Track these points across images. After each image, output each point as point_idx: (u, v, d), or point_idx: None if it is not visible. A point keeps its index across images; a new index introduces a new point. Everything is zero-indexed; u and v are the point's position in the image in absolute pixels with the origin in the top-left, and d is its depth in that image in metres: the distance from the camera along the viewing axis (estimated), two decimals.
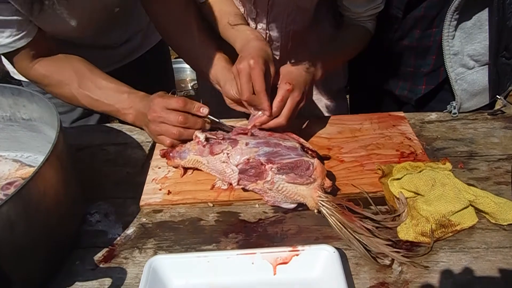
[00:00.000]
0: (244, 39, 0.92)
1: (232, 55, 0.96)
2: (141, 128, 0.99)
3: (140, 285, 0.65)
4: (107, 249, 0.76)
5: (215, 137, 0.88)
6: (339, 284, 0.64)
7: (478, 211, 0.78)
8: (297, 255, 0.69)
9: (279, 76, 0.90)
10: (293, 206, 0.80)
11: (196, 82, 2.50)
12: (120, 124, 1.07)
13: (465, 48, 1.04)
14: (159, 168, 0.91)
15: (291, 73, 0.90)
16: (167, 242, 0.77)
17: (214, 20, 1.02)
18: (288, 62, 1.13)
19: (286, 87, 0.86)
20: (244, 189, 0.83)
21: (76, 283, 0.70)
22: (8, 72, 1.18)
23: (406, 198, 0.79)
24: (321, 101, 1.25)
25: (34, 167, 0.86)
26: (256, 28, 1.06)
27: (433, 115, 1.06)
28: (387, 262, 0.71)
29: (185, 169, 0.89)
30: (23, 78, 1.10)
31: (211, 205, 0.83)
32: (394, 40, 1.11)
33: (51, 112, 0.75)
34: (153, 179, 0.89)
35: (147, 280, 0.65)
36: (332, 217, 0.74)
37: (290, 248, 0.69)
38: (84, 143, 1.01)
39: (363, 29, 1.07)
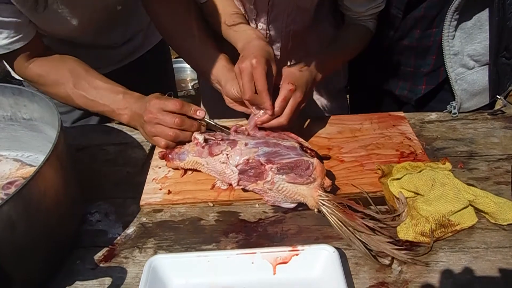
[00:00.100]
0: (246, 38, 0.92)
1: (232, 55, 0.97)
2: (136, 129, 0.99)
3: (140, 284, 0.65)
4: (107, 248, 0.76)
5: (213, 138, 0.88)
6: (339, 284, 0.64)
7: (477, 211, 0.78)
8: (297, 254, 0.69)
9: (280, 76, 0.90)
10: (293, 205, 0.80)
11: (196, 81, 2.50)
12: (120, 124, 1.07)
13: (465, 48, 1.04)
14: (159, 167, 0.91)
15: (293, 73, 0.90)
16: (167, 242, 0.77)
17: (215, 20, 1.02)
18: (289, 63, 1.13)
19: (289, 87, 0.86)
20: (244, 190, 0.83)
21: (77, 282, 0.70)
22: (9, 72, 1.18)
23: (406, 198, 0.79)
24: (321, 101, 1.25)
25: (34, 166, 0.87)
26: (256, 28, 1.07)
27: (433, 115, 1.06)
28: (387, 262, 0.71)
29: (185, 170, 0.89)
30: None
31: (211, 204, 0.83)
32: (394, 40, 1.11)
33: (52, 112, 0.75)
34: (153, 179, 0.89)
35: (147, 279, 0.66)
36: (333, 216, 0.74)
37: (290, 248, 0.69)
38: (84, 143, 1.02)
39: (364, 29, 1.07)
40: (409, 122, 1.02)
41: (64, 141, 0.71)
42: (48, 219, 0.67)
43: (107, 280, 0.70)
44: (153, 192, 0.86)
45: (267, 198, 0.80)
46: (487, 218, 0.78)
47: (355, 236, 0.72)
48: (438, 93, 1.15)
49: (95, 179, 0.91)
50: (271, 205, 0.81)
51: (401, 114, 1.05)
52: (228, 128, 0.94)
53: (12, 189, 0.80)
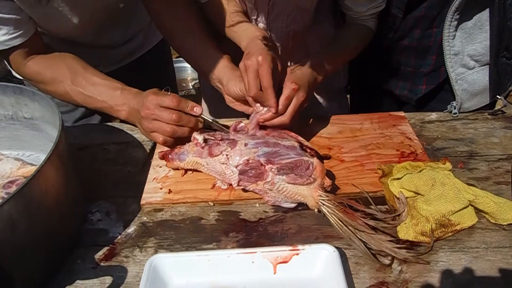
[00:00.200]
0: (250, 36, 0.92)
1: (234, 55, 0.97)
2: (135, 125, 0.99)
3: (140, 283, 0.65)
4: (108, 247, 0.76)
5: (213, 137, 0.88)
6: (339, 283, 0.64)
7: (478, 211, 0.78)
8: (297, 254, 0.69)
9: (284, 75, 0.90)
10: (293, 205, 0.80)
11: (197, 81, 2.50)
12: (121, 124, 1.07)
13: (466, 48, 1.04)
14: (160, 167, 0.92)
15: (296, 73, 0.90)
16: (168, 241, 0.77)
17: (217, 20, 1.02)
18: (289, 63, 1.13)
19: (292, 86, 0.86)
20: (244, 190, 0.83)
21: (77, 281, 0.71)
22: (10, 71, 1.18)
23: (406, 197, 0.79)
24: (322, 101, 1.25)
25: (35, 165, 0.87)
26: None
27: (433, 115, 1.07)
28: (387, 261, 0.71)
29: (185, 170, 0.89)
30: None
31: (212, 204, 0.84)
32: (394, 40, 1.11)
33: (53, 111, 0.75)
34: (154, 178, 0.89)
35: (147, 278, 0.66)
36: (333, 215, 0.74)
37: (290, 247, 0.69)
38: (85, 142, 1.02)
39: (365, 28, 1.07)
40: (409, 122, 1.03)
41: (65, 140, 0.72)
42: (49, 218, 0.67)
43: (108, 279, 0.71)
44: (153, 192, 0.86)
45: (267, 198, 0.80)
46: (487, 218, 0.78)
47: (356, 236, 0.72)
48: (439, 93, 1.15)
49: (96, 178, 0.91)
50: (272, 205, 0.81)
51: (402, 114, 1.05)
52: (227, 127, 0.94)
53: (13, 188, 0.80)
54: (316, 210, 0.78)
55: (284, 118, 0.87)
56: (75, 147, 0.99)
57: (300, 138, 0.87)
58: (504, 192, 0.83)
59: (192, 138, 0.88)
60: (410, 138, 0.97)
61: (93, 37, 1.14)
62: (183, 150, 0.88)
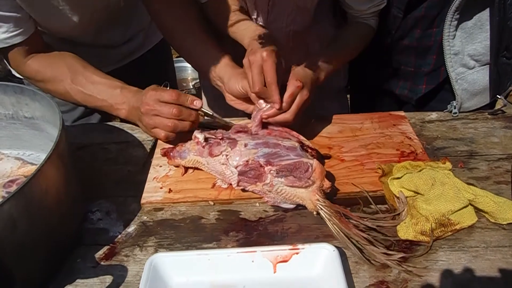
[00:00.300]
0: (252, 33, 0.92)
1: (234, 55, 0.97)
2: (135, 124, 0.99)
3: (140, 282, 0.65)
4: (108, 247, 0.76)
5: (214, 136, 0.88)
6: (339, 283, 0.64)
7: (477, 210, 0.78)
8: (297, 253, 0.69)
9: (288, 73, 0.90)
10: (292, 206, 0.80)
11: (197, 81, 2.50)
12: (122, 123, 1.07)
13: (466, 48, 1.04)
14: (160, 166, 0.92)
15: (300, 72, 0.90)
16: (168, 240, 0.77)
17: (217, 19, 1.02)
18: (289, 63, 1.13)
19: (297, 84, 0.86)
20: (244, 190, 0.83)
21: (77, 280, 0.71)
22: (10, 71, 1.19)
23: (406, 197, 0.79)
24: (322, 101, 1.24)
25: (36, 165, 0.87)
26: None
27: (434, 115, 1.07)
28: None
29: (186, 168, 0.90)
30: None
31: (212, 203, 0.84)
32: (394, 40, 1.11)
33: (53, 110, 0.76)
34: (154, 178, 0.89)
35: (147, 277, 0.66)
36: (330, 221, 0.74)
37: (290, 247, 0.70)
38: (85, 142, 1.02)
39: (366, 26, 1.07)
40: (409, 121, 1.03)
41: (66, 140, 0.72)
42: (49, 217, 0.67)
43: (108, 278, 0.71)
44: (154, 191, 0.86)
45: (267, 199, 0.80)
46: (486, 218, 0.78)
47: (351, 242, 0.72)
48: (439, 93, 1.15)
49: (96, 177, 0.91)
50: (271, 205, 0.81)
51: (402, 113, 1.05)
52: (227, 121, 0.94)
53: (14, 187, 0.80)
54: (314, 213, 0.78)
55: (287, 115, 0.87)
56: (75, 147, 0.99)
57: (302, 138, 0.88)
58: (504, 191, 0.83)
59: (193, 137, 0.88)
60: (410, 138, 0.97)
61: (93, 37, 1.14)
62: (185, 148, 0.88)
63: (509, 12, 0.94)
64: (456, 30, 1.02)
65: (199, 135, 0.87)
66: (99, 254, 0.75)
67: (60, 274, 0.72)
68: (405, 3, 1.04)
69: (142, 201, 0.84)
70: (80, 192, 0.80)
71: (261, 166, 0.80)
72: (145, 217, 0.82)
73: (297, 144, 0.83)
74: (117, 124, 1.08)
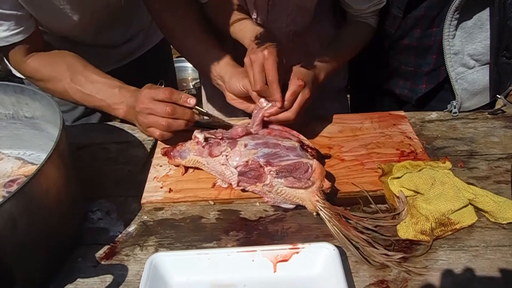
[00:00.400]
0: (253, 32, 0.92)
1: (234, 54, 0.97)
2: (134, 124, 0.98)
3: (141, 282, 0.65)
4: (108, 246, 0.76)
5: (214, 136, 0.88)
6: (339, 282, 0.64)
7: (477, 209, 0.78)
8: (297, 252, 0.69)
9: (289, 73, 0.90)
10: (292, 206, 0.80)
11: (198, 81, 2.50)
12: (122, 123, 1.07)
13: (466, 48, 1.04)
14: (161, 166, 0.92)
15: (301, 71, 0.91)
16: (168, 240, 0.77)
17: (218, 19, 1.02)
18: (290, 63, 1.13)
19: (298, 83, 0.86)
20: (244, 190, 0.83)
21: (78, 279, 0.71)
22: (10, 71, 1.19)
23: (406, 196, 0.80)
24: (322, 101, 1.25)
25: (36, 165, 0.87)
26: None
27: (434, 114, 1.07)
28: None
29: (186, 168, 0.90)
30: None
31: (212, 203, 0.84)
32: (394, 40, 1.11)
33: (54, 110, 0.76)
34: (154, 177, 0.89)
35: (148, 277, 0.66)
36: (330, 222, 0.75)
37: (290, 246, 0.70)
38: (85, 142, 1.02)
39: (366, 26, 1.07)
40: (409, 121, 1.03)
41: (66, 140, 0.72)
42: (49, 217, 0.68)
43: (108, 278, 0.71)
44: (154, 191, 0.86)
45: (267, 199, 0.80)
46: (486, 217, 0.78)
47: (351, 243, 0.72)
48: (439, 93, 1.15)
49: (97, 177, 0.91)
50: (271, 205, 0.82)
51: (402, 113, 1.06)
52: (223, 121, 0.94)
53: (14, 187, 0.80)
54: (314, 213, 0.78)
55: (289, 114, 0.87)
56: (75, 146, 1.00)
57: (302, 137, 0.88)
58: (503, 191, 0.83)
59: (193, 137, 0.88)
60: (410, 138, 0.97)
61: (94, 37, 1.14)
62: (185, 148, 0.88)
63: (509, 11, 0.94)
64: (456, 29, 1.02)
65: (199, 135, 0.87)
66: (100, 253, 0.75)
67: (60, 273, 0.72)
68: (405, 3, 1.04)
69: (143, 200, 0.84)
70: (81, 192, 0.81)
71: (261, 166, 0.80)
72: (146, 217, 0.82)
73: (297, 144, 0.83)
74: (117, 124, 1.08)
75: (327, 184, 0.78)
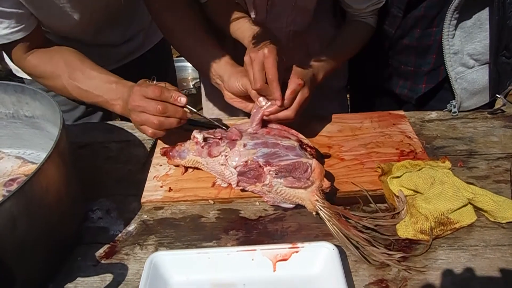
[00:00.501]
0: (253, 31, 0.92)
1: (234, 54, 0.97)
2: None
3: (141, 281, 0.66)
4: (108, 245, 0.77)
5: (213, 136, 0.87)
6: (338, 281, 0.64)
7: (477, 209, 0.78)
8: (296, 252, 0.70)
9: (289, 72, 0.90)
10: (292, 206, 0.80)
11: (198, 80, 2.51)
12: (122, 122, 1.07)
13: (465, 47, 1.04)
14: (161, 165, 0.92)
15: (300, 70, 0.91)
16: (168, 239, 0.77)
17: (217, 18, 1.02)
18: (289, 63, 1.13)
19: (298, 81, 0.86)
20: (244, 190, 0.83)
21: (78, 278, 0.71)
22: (10, 70, 1.19)
23: (406, 196, 0.80)
24: (321, 101, 1.25)
25: (36, 164, 0.87)
26: None
27: (433, 114, 1.07)
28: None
29: (186, 167, 0.90)
30: (25, 76, 1.11)
31: (212, 202, 0.84)
32: (394, 39, 1.11)
33: (54, 109, 0.76)
34: (154, 177, 0.89)
35: (148, 276, 0.66)
36: (330, 221, 0.75)
37: (290, 245, 0.70)
38: (86, 141, 1.02)
39: (365, 25, 1.07)
40: (409, 121, 1.03)
41: (66, 139, 0.72)
42: (49, 216, 0.68)
43: (108, 277, 0.71)
44: (154, 190, 0.86)
45: (266, 199, 0.80)
46: (486, 216, 0.78)
47: (351, 243, 0.73)
48: (438, 92, 1.15)
49: (97, 176, 0.91)
50: (271, 205, 0.82)
51: (401, 113, 1.06)
52: (213, 120, 0.94)
53: (14, 186, 0.80)
54: (314, 213, 0.78)
55: (289, 112, 0.87)
56: (75, 146, 1.00)
57: (301, 136, 0.88)
58: (503, 190, 0.83)
59: (192, 137, 0.88)
60: (410, 137, 0.97)
61: (94, 36, 1.14)
62: (184, 148, 0.88)
63: (509, 11, 0.94)
64: (455, 29, 1.02)
65: (197, 135, 0.87)
66: (100, 252, 0.75)
67: (60, 272, 0.72)
68: (404, 3, 1.04)
69: (143, 200, 0.84)
70: (81, 191, 0.81)
71: (260, 166, 0.80)
72: (146, 216, 0.82)
73: (296, 144, 0.83)
74: (117, 123, 1.08)
75: (326, 183, 0.78)
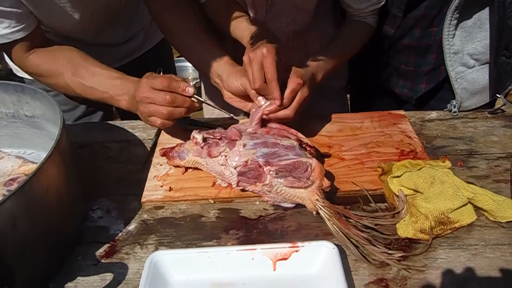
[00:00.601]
0: (252, 31, 0.92)
1: (234, 54, 0.97)
2: (137, 118, 0.96)
3: (141, 280, 0.66)
4: (108, 244, 0.77)
5: (212, 136, 0.87)
6: (338, 280, 0.64)
7: (476, 208, 0.78)
8: (296, 251, 0.70)
9: (288, 72, 0.90)
10: (292, 205, 0.80)
11: (198, 80, 2.51)
12: (122, 122, 1.08)
13: (466, 47, 1.04)
14: (161, 165, 0.92)
15: (299, 70, 0.91)
16: (168, 238, 0.77)
17: (217, 18, 1.02)
18: (289, 63, 1.13)
19: (298, 81, 0.86)
20: (244, 190, 0.83)
21: (78, 278, 0.71)
22: (11, 70, 1.19)
23: (406, 195, 0.80)
24: (321, 101, 1.25)
25: (36, 163, 0.87)
26: None
27: (433, 114, 1.07)
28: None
29: (186, 167, 0.90)
30: (26, 76, 1.11)
31: (212, 202, 0.84)
32: (394, 39, 1.11)
33: (54, 109, 0.76)
34: (154, 176, 0.89)
35: (148, 275, 0.66)
36: (330, 221, 0.75)
37: (290, 244, 0.70)
38: (86, 140, 1.02)
39: (365, 25, 1.07)
40: (409, 120, 1.03)
41: (66, 138, 0.72)
42: (49, 215, 0.68)
43: (109, 276, 0.71)
44: (154, 189, 0.86)
45: (267, 198, 0.80)
46: (486, 216, 0.78)
47: (351, 242, 0.73)
48: (439, 92, 1.15)
49: (97, 176, 0.91)
50: (271, 204, 0.82)
51: (402, 112, 1.06)
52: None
53: (14, 186, 0.80)
54: (314, 212, 0.78)
55: (288, 112, 0.87)
56: (76, 145, 1.00)
57: (300, 135, 0.88)
58: (503, 190, 0.83)
59: (191, 137, 0.88)
60: (410, 137, 0.97)
61: (94, 36, 1.14)
62: (183, 149, 0.88)
63: (509, 11, 0.94)
64: (455, 29, 1.02)
65: (197, 136, 0.87)
66: (100, 252, 0.75)
67: (60, 272, 0.72)
68: (405, 3, 1.04)
69: (143, 199, 0.84)
70: (81, 191, 0.81)
71: (260, 166, 0.80)
72: (146, 215, 0.82)
73: (295, 143, 0.83)
74: (117, 123, 1.08)
75: (326, 183, 0.78)
